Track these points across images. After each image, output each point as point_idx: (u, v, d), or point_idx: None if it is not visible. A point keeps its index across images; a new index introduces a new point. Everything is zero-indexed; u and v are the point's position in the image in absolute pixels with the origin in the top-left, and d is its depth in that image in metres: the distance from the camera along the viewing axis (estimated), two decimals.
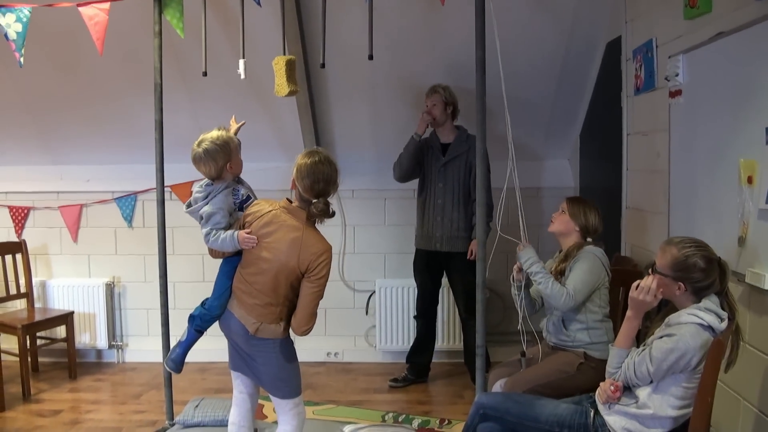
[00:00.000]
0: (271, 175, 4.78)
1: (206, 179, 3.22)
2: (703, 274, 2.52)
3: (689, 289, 2.54)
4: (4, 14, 3.46)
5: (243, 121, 3.41)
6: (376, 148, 5.35)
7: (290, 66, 3.51)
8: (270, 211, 3.08)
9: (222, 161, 3.12)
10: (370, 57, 3.23)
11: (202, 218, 3.16)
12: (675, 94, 3.43)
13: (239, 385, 3.29)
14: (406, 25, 4.45)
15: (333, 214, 3.05)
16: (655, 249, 3.65)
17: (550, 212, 4.87)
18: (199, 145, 3.12)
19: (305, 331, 3.09)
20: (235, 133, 3.45)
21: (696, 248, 2.54)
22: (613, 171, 4.36)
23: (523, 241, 3.37)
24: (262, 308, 3.06)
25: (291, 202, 3.11)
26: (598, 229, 3.49)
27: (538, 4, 4.28)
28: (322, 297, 3.08)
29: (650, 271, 2.61)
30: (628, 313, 2.67)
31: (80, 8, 3.60)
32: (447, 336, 5.32)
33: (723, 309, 2.52)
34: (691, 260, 2.52)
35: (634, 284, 2.62)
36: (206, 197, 3.18)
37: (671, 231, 3.50)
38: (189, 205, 3.24)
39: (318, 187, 3.00)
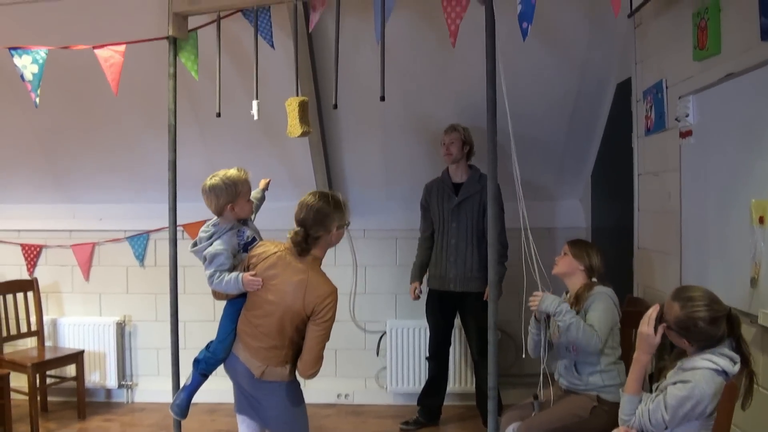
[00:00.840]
0: (282, 214, 4.76)
1: (214, 219, 3.24)
2: (709, 331, 2.45)
3: (695, 345, 2.49)
4: (20, 56, 3.52)
5: (269, 179, 3.57)
6: (388, 188, 5.37)
7: (303, 107, 3.54)
8: (275, 252, 3.08)
9: (223, 200, 3.12)
10: (382, 98, 3.25)
11: (205, 259, 3.16)
12: (685, 134, 3.44)
13: (245, 429, 3.25)
14: (418, 66, 4.49)
15: (315, 256, 3.06)
16: (667, 290, 3.62)
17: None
18: (210, 178, 3.16)
19: (311, 375, 3.07)
20: (263, 190, 3.52)
21: (702, 306, 2.46)
22: (625, 211, 4.35)
23: (539, 290, 3.35)
24: (267, 351, 3.05)
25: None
26: (601, 268, 3.50)
27: (549, 46, 4.31)
28: (328, 340, 3.06)
29: (660, 318, 2.57)
30: (636, 353, 2.62)
31: (96, 50, 3.65)
32: (459, 378, 5.27)
33: (735, 352, 2.49)
34: (692, 321, 2.45)
35: (642, 319, 2.60)
36: (210, 237, 3.19)
37: (683, 272, 3.48)
38: (195, 245, 3.25)
39: (300, 215, 3.03)
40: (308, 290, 2.98)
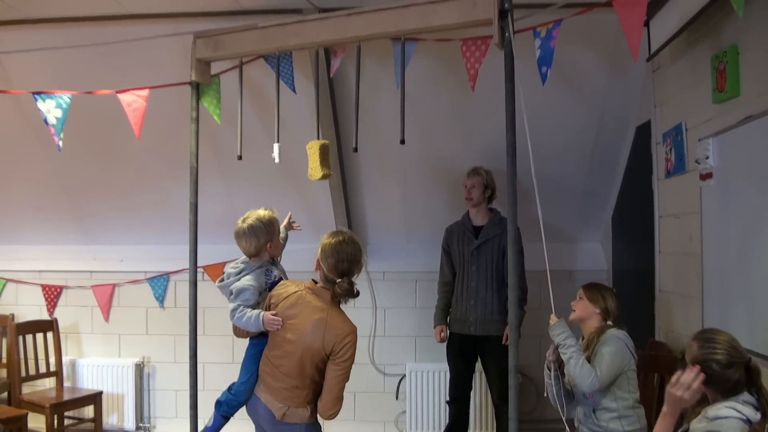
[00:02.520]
0: (303, 256, 4.80)
1: (243, 257, 3.27)
2: (724, 375, 2.39)
3: (713, 390, 2.43)
4: (44, 100, 3.59)
5: (290, 212, 3.62)
6: (408, 231, 5.37)
7: (324, 150, 3.57)
8: (295, 292, 3.08)
9: (264, 239, 3.19)
10: (402, 141, 3.28)
11: (231, 293, 3.18)
12: (706, 176, 3.43)
13: None
14: (437, 110, 4.53)
15: (357, 294, 3.06)
16: (689, 334, 3.57)
17: None
18: (244, 221, 3.20)
19: (331, 415, 3.05)
20: (287, 228, 3.56)
21: (721, 349, 2.41)
22: (646, 254, 4.33)
23: (555, 316, 3.33)
24: (288, 392, 3.04)
25: (316, 282, 3.11)
26: (616, 310, 3.44)
27: (568, 89, 4.34)
28: (347, 380, 3.05)
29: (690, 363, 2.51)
30: (664, 408, 2.53)
31: (119, 95, 3.72)
32: (479, 423, 5.19)
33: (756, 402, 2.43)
34: (707, 363, 2.40)
35: (673, 377, 2.50)
36: (239, 273, 3.22)
37: (705, 315, 3.44)
38: (222, 280, 3.27)
39: (342, 267, 3.01)
40: (327, 329, 2.98)
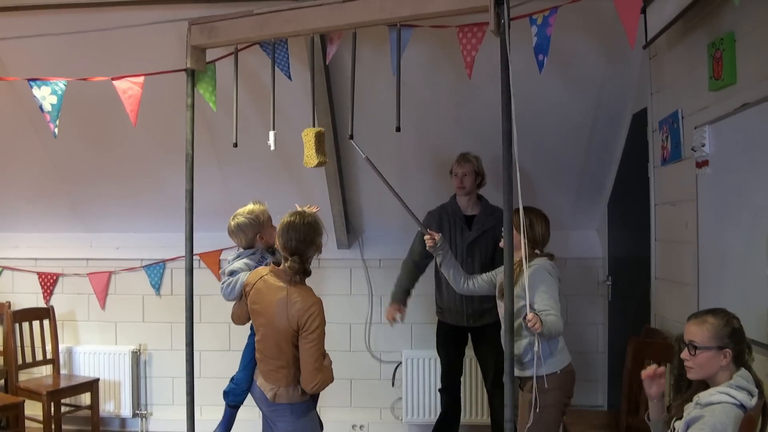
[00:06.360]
0: None
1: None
2: (741, 336, 2.46)
3: (733, 354, 2.45)
4: (39, 87, 3.57)
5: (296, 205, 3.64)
6: (403, 218, 5.34)
7: (319, 138, 3.57)
8: (261, 276, 3.20)
9: (252, 233, 3.41)
10: (398, 129, 3.28)
11: (224, 274, 3.36)
12: (702, 164, 3.43)
13: None
14: (434, 97, 4.51)
15: (308, 273, 3.14)
16: (684, 320, 3.59)
17: (578, 283, 4.80)
18: (233, 219, 3.42)
19: (314, 387, 3.08)
20: None
21: (727, 313, 2.49)
22: (642, 241, 4.33)
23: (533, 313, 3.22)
24: (276, 372, 3.13)
25: (279, 264, 3.23)
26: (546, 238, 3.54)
27: (565, 77, 4.33)
28: (322, 351, 3.09)
29: (688, 349, 2.53)
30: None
31: (114, 82, 3.70)
32: (473, 410, 5.22)
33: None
34: (730, 325, 2.45)
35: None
36: (235, 258, 3.42)
37: (701, 302, 3.45)
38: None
39: (291, 246, 3.09)
40: (289, 306, 3.05)
